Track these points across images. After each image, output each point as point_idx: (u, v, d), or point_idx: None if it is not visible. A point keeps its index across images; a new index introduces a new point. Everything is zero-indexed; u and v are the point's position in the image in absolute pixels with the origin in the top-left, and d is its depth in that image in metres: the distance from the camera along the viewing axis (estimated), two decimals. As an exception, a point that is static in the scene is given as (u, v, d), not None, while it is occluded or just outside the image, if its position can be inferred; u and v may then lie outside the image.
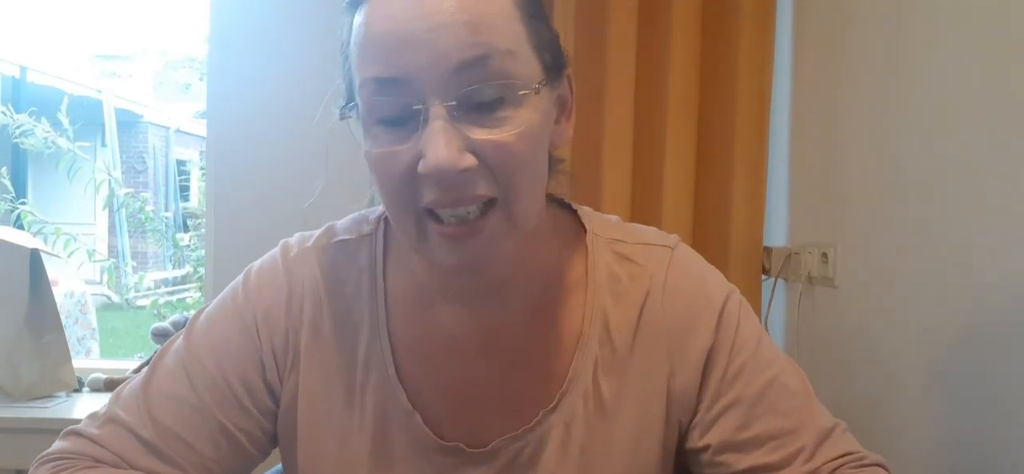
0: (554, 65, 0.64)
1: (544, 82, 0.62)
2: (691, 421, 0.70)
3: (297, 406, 0.70)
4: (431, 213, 0.60)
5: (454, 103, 0.57)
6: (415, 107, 0.57)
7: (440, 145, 0.56)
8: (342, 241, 0.73)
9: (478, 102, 0.58)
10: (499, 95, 0.58)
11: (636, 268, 0.72)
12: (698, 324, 0.70)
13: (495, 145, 0.58)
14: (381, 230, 0.73)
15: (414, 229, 0.61)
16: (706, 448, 0.69)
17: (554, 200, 0.74)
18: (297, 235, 0.75)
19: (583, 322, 0.70)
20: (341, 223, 0.75)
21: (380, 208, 0.75)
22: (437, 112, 0.57)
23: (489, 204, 0.60)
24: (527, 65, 0.60)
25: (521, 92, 0.59)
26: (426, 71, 0.57)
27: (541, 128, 0.62)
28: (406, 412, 0.68)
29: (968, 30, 1.10)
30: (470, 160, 0.57)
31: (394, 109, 0.59)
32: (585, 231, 0.73)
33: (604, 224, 0.75)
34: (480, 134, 0.58)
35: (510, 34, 0.59)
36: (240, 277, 0.74)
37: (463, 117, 0.58)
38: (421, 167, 0.57)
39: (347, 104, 0.63)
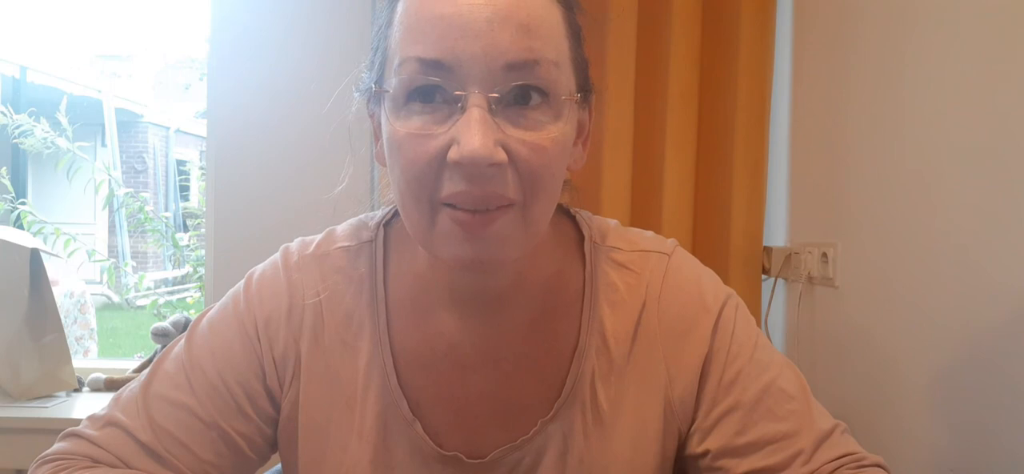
0: (583, 88, 0.65)
1: (577, 99, 0.62)
2: (690, 428, 0.70)
3: (298, 414, 0.70)
4: (447, 204, 0.59)
5: (496, 95, 0.57)
6: (456, 93, 0.57)
7: (476, 134, 0.55)
8: (342, 248, 0.73)
9: (519, 103, 0.58)
10: (540, 100, 0.58)
11: (633, 276, 0.72)
12: (694, 332, 0.70)
13: (529, 146, 0.58)
14: (381, 237, 0.73)
15: (428, 217, 0.60)
16: (705, 454, 0.69)
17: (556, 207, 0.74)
18: (297, 241, 0.75)
19: (580, 332, 0.70)
20: (341, 228, 0.75)
21: (380, 213, 0.75)
22: (477, 101, 0.56)
23: (507, 205, 0.59)
24: (568, 79, 0.61)
25: (562, 98, 0.59)
26: (476, 61, 0.56)
27: (569, 142, 0.62)
28: (407, 421, 0.68)
29: (967, 29, 1.10)
30: (502, 155, 0.56)
31: (432, 92, 0.58)
32: (584, 238, 0.73)
33: (602, 230, 0.74)
34: (515, 133, 0.57)
35: (558, 46, 0.60)
36: (241, 283, 0.73)
37: (501, 113, 0.57)
38: (453, 154, 0.56)
39: (377, 83, 0.62)
